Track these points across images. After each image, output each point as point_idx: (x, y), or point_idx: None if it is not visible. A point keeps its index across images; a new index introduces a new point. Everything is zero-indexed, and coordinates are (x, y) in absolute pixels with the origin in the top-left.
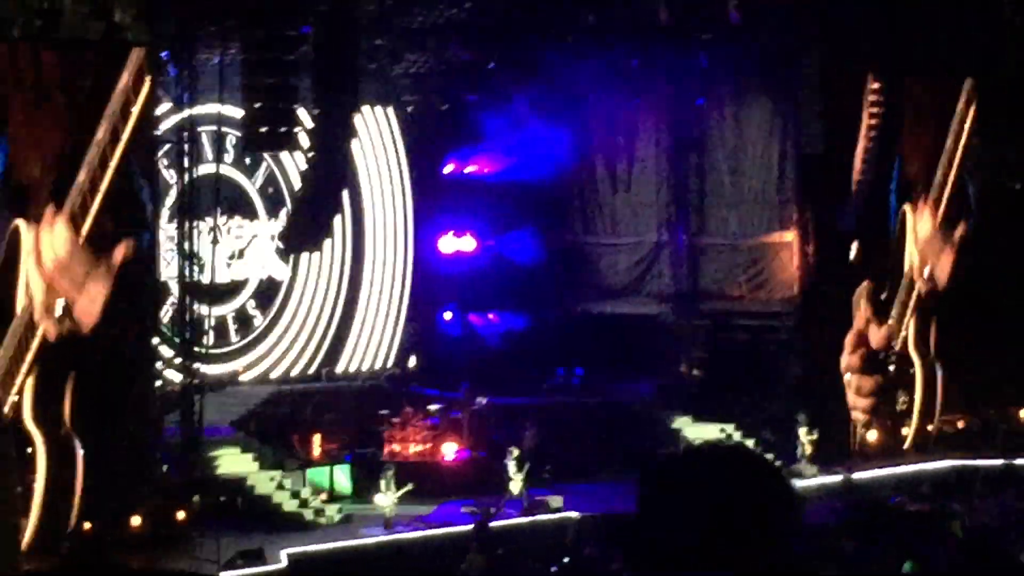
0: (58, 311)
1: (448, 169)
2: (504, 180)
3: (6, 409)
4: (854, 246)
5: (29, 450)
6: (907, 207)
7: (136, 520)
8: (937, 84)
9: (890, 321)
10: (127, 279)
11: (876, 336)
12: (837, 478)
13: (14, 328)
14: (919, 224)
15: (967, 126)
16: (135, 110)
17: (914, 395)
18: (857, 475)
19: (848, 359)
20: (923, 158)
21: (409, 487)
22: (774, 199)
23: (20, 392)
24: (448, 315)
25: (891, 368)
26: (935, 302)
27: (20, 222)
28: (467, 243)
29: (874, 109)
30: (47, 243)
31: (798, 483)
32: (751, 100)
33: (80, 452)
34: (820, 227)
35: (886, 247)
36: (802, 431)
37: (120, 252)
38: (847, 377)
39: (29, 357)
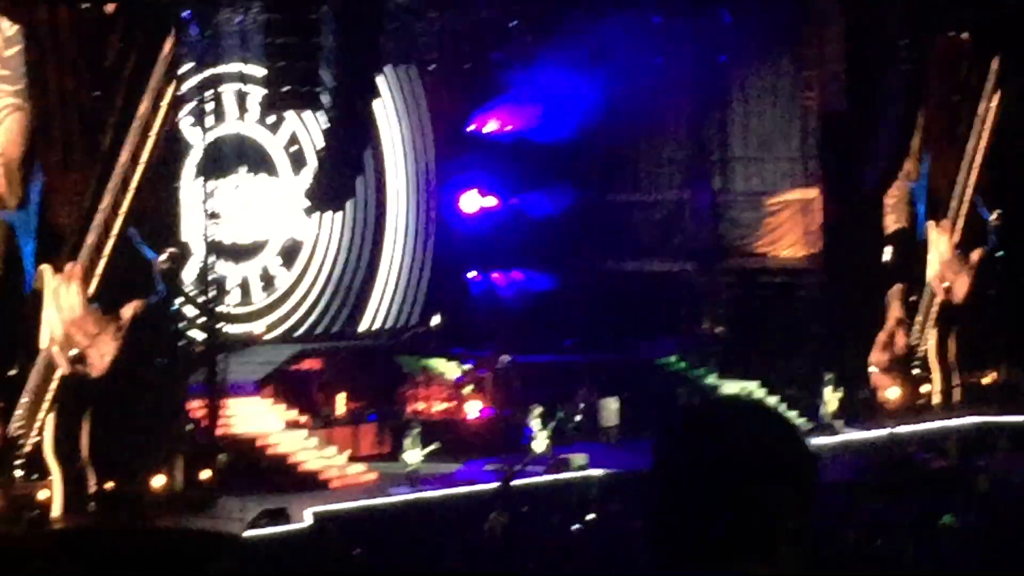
0: (72, 352)
1: (471, 128)
2: (527, 138)
3: (29, 445)
4: (888, 250)
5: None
6: (931, 223)
7: (161, 479)
8: (964, 99)
9: (915, 328)
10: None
11: (900, 342)
12: (876, 433)
13: (37, 367)
14: (940, 243)
15: (979, 158)
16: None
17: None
18: (883, 433)
19: (877, 355)
20: (948, 176)
21: (435, 446)
22: (797, 156)
23: (41, 429)
24: (473, 274)
25: (915, 371)
26: (954, 313)
27: (46, 267)
28: (490, 201)
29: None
30: (64, 296)
31: (828, 440)
32: (774, 57)
33: (92, 481)
34: (843, 184)
35: (917, 253)
36: (827, 389)
37: (129, 312)
38: (872, 370)
39: (49, 396)
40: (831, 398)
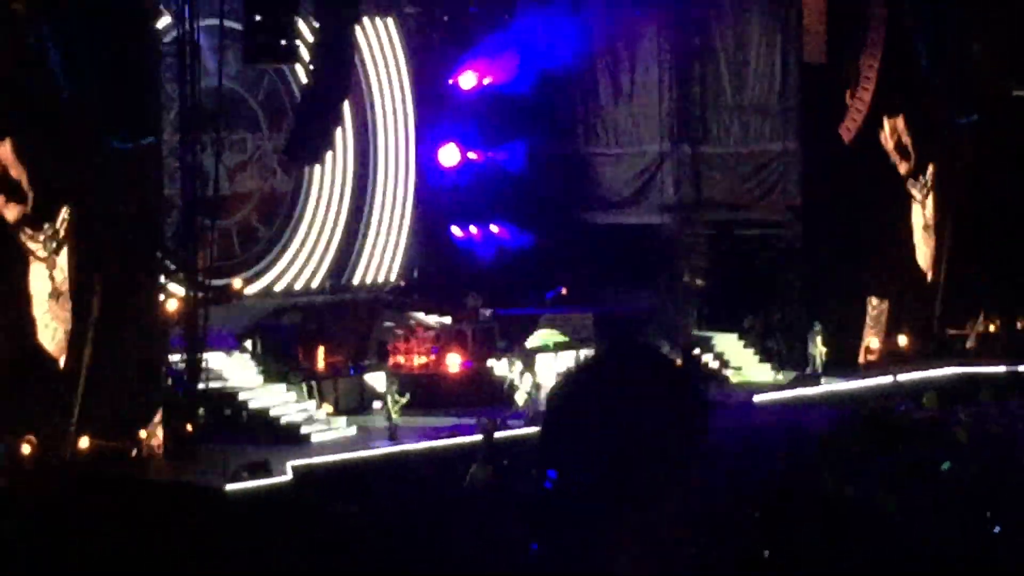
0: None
1: (450, 80)
2: (506, 91)
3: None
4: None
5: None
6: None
7: (143, 433)
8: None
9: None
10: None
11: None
12: (875, 382)
13: None
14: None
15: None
16: None
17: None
18: (864, 383)
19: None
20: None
21: (406, 398)
22: (776, 108)
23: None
24: (457, 230)
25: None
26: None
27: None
28: (470, 154)
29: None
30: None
31: (811, 390)
32: (753, 9)
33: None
34: (823, 137)
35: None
36: (818, 339)
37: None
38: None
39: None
40: (821, 348)
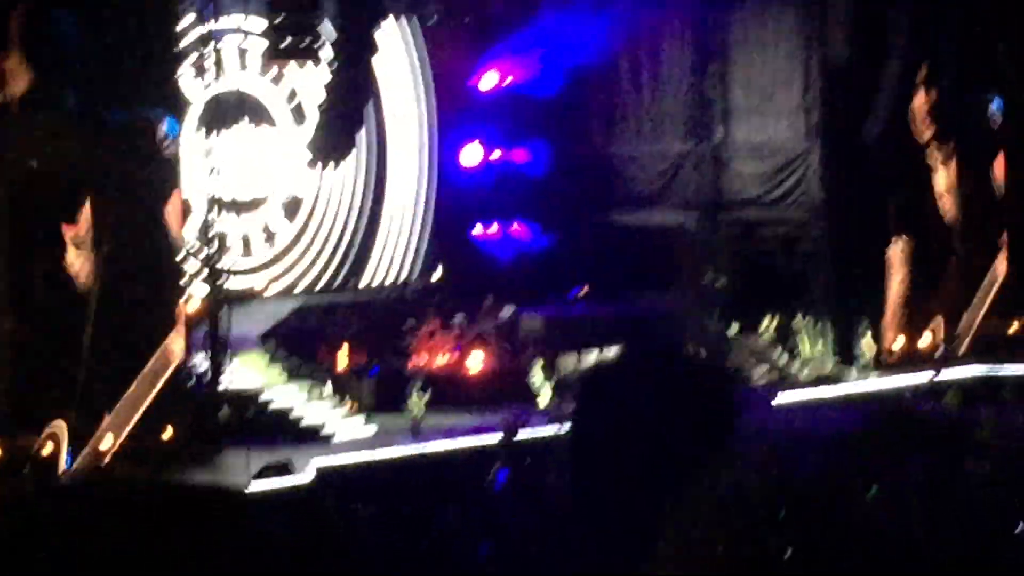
0: None
1: (472, 80)
2: (528, 90)
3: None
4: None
5: None
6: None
7: (166, 434)
8: None
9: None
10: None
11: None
12: (910, 379)
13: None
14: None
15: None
16: None
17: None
18: (884, 383)
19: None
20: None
21: (427, 396)
22: (800, 108)
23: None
24: (479, 228)
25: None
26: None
27: None
28: (490, 155)
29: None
30: None
31: (833, 390)
32: (775, 8)
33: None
34: (845, 136)
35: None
36: (867, 335)
37: None
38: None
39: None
40: (869, 345)
